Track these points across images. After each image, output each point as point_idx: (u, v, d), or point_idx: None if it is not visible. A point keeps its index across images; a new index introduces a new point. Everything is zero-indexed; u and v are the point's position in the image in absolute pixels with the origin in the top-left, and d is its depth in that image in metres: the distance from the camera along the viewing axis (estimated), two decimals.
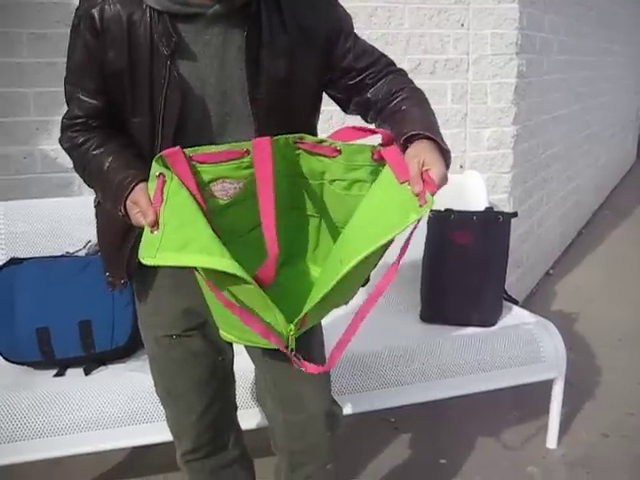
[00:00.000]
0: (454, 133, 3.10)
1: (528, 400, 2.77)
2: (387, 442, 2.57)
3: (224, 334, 1.33)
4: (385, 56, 1.47)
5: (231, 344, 1.55)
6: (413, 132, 1.26)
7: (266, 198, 1.30)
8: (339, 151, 1.30)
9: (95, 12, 1.26)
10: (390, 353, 2.23)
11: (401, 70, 1.47)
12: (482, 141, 3.17)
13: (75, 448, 1.92)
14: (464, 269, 2.46)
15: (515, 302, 2.71)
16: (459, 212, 2.54)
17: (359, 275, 1.32)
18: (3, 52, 2.46)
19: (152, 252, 1.13)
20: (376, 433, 2.62)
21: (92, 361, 2.14)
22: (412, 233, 1.18)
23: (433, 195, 1.16)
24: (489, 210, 2.64)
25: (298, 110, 1.40)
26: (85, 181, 1.39)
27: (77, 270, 2.18)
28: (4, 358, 2.14)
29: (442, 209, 2.57)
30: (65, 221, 2.38)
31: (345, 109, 1.50)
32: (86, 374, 2.11)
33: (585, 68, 5.24)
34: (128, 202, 1.23)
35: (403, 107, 1.36)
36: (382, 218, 1.18)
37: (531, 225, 3.89)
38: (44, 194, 2.54)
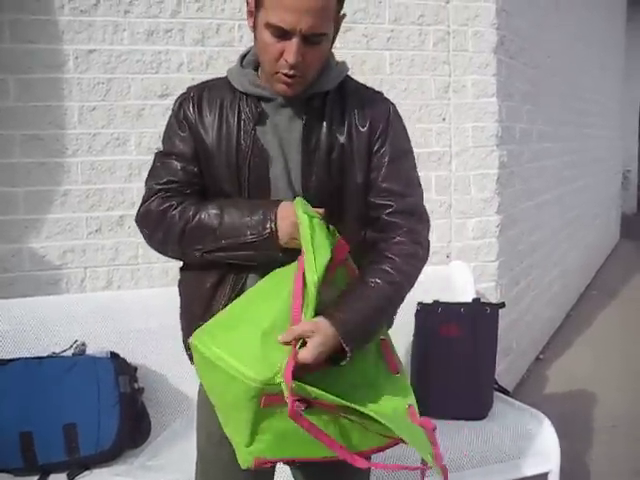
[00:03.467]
0: (439, 224, 3.15)
1: None
2: None
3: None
4: (415, 202, 1.47)
5: None
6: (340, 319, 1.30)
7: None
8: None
9: (195, 94, 1.48)
10: None
11: (413, 232, 1.44)
12: (467, 231, 3.22)
13: None
14: (453, 362, 2.45)
15: (506, 392, 2.69)
16: (446, 304, 2.55)
17: None
18: None
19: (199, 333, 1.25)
20: None
21: (76, 466, 2.08)
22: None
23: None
24: (476, 301, 2.65)
25: (346, 209, 1.45)
26: (179, 239, 1.42)
27: (63, 371, 2.15)
28: None
29: (430, 301, 2.59)
30: (52, 320, 2.36)
31: None
32: None
33: (566, 153, 5.38)
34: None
35: (370, 280, 1.37)
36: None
37: (519, 312, 3.90)
38: (32, 292, 2.54)
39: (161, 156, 1.49)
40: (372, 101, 1.49)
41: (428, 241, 1.49)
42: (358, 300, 1.34)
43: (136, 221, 1.49)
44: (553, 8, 4.73)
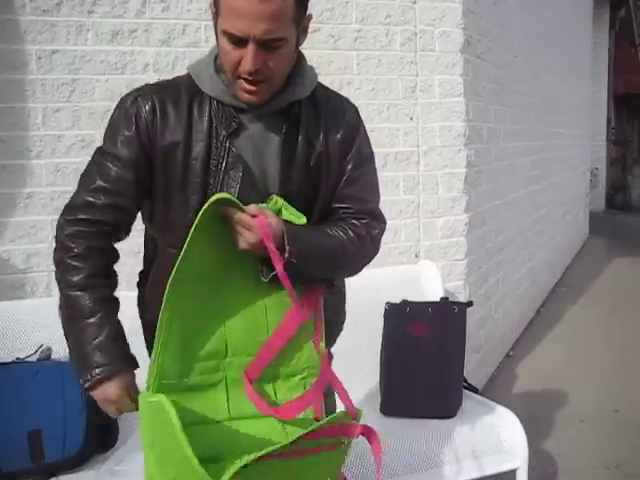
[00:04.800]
0: (407, 223, 3.16)
1: None
2: None
3: None
4: (373, 207, 1.52)
5: None
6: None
7: None
8: None
9: (155, 94, 1.40)
10: (350, 449, 2.19)
11: (368, 223, 1.49)
12: (435, 230, 3.24)
13: None
14: (422, 361, 2.46)
15: (475, 390, 2.71)
16: (415, 303, 2.56)
17: None
18: None
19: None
20: None
21: (41, 473, 2.05)
22: None
23: None
24: (444, 300, 2.66)
25: (314, 213, 1.47)
26: (59, 283, 1.48)
27: (28, 377, 2.11)
28: None
29: (398, 300, 2.60)
30: (16, 325, 2.32)
31: None
32: None
33: (534, 152, 5.43)
34: None
35: (326, 230, 1.44)
36: None
37: (488, 309, 3.93)
38: None
39: (100, 155, 1.43)
40: (343, 107, 1.52)
41: (380, 240, 1.52)
42: (310, 231, 1.40)
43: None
44: (519, 8, 4.78)
